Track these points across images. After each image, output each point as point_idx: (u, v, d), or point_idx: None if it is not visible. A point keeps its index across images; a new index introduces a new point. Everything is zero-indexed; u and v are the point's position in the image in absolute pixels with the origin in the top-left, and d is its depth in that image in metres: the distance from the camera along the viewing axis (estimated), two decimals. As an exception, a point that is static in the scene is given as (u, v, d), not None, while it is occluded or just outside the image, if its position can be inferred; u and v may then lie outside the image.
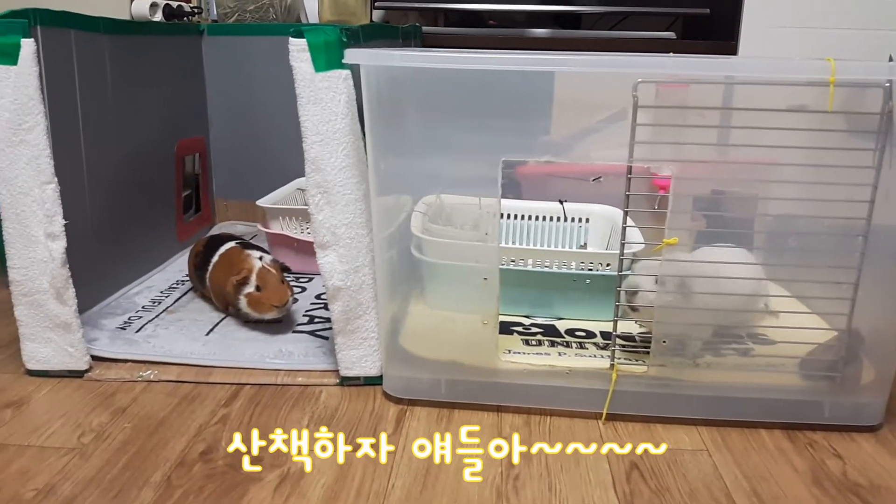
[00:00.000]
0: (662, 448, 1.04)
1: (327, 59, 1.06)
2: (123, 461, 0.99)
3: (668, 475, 0.98)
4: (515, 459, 1.01)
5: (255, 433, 1.06)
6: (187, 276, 1.59)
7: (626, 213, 1.02)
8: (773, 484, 0.96)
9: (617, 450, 1.03)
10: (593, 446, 1.04)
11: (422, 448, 1.03)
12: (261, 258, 1.35)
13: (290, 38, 1.05)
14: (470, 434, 1.07)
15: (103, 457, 1.00)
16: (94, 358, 1.25)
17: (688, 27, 2.20)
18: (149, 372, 1.23)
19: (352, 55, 1.00)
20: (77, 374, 1.22)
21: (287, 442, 1.04)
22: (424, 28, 2.01)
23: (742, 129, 0.99)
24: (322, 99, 1.07)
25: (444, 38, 1.98)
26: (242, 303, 1.32)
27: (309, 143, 1.09)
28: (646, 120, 0.98)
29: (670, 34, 2.00)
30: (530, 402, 1.13)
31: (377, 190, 1.09)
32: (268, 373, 1.23)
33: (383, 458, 1.00)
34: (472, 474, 0.97)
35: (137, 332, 1.35)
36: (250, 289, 1.32)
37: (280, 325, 1.40)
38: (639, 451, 1.03)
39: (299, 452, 1.02)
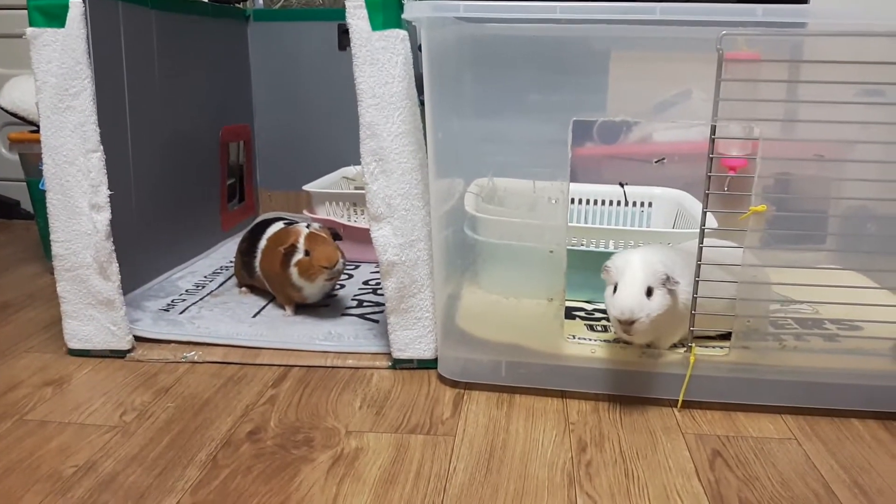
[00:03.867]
0: (746, 436, 0.95)
1: (385, 16, 1.00)
2: (167, 440, 0.94)
3: (756, 464, 0.89)
4: (586, 445, 0.93)
5: (304, 414, 0.99)
6: (232, 262, 1.53)
7: (708, 178, 0.94)
8: (875, 476, 0.87)
9: (697, 437, 0.95)
10: (670, 433, 0.96)
11: (483, 432, 0.96)
12: (308, 226, 1.28)
13: (348, -6, 1.00)
14: (535, 418, 0.99)
15: (146, 435, 0.95)
16: (136, 339, 1.20)
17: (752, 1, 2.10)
18: (193, 353, 1.17)
19: (412, 9, 0.94)
20: (119, 354, 1.17)
21: (339, 423, 0.97)
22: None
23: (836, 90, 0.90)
24: (379, 59, 1.01)
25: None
26: (294, 274, 1.24)
27: (364, 107, 1.03)
28: (727, 87, 0.90)
29: None
30: (599, 388, 1.05)
31: (435, 160, 1.03)
32: (316, 355, 1.17)
33: (442, 441, 0.93)
34: (540, 459, 0.89)
35: (181, 313, 1.30)
36: (300, 255, 1.24)
37: (328, 308, 1.34)
38: (721, 437, 0.94)
39: (352, 434, 0.95)
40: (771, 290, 1.07)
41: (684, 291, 1.00)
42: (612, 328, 1.06)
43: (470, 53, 0.98)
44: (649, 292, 0.96)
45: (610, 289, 0.99)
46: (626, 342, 1.09)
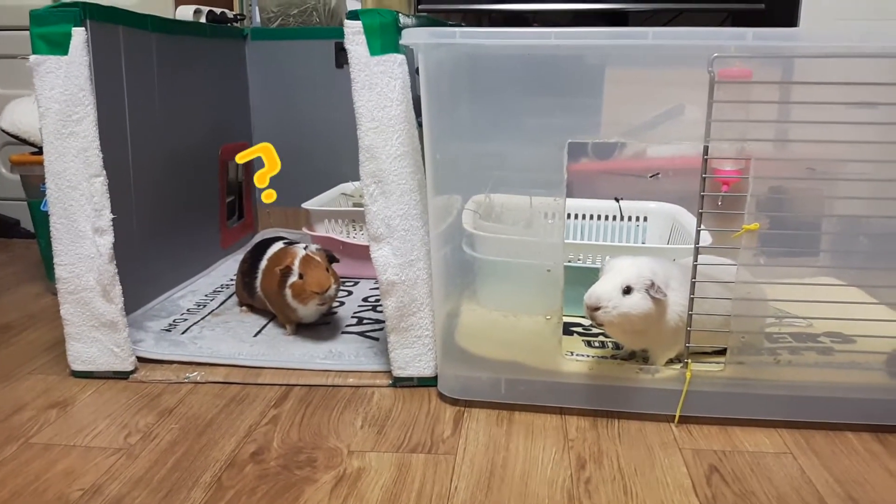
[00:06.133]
0: (743, 450, 0.96)
1: (383, 42, 1.02)
2: (172, 461, 0.95)
3: (752, 478, 0.90)
4: (585, 462, 0.94)
5: (307, 434, 1.01)
6: (232, 280, 1.55)
7: (701, 198, 0.96)
8: (869, 489, 0.88)
9: (694, 452, 0.96)
10: (668, 449, 0.97)
11: (483, 450, 0.97)
12: (305, 248, 1.29)
13: (346, 21, 1.02)
14: (534, 436, 1.01)
15: (151, 457, 0.96)
16: (139, 359, 1.21)
17: (741, 24, 2.13)
18: (195, 373, 1.19)
19: (410, 35, 0.96)
20: (122, 376, 1.19)
21: (341, 442, 0.99)
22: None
23: (828, 110, 0.92)
24: (377, 84, 1.03)
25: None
26: (288, 296, 1.25)
27: (363, 130, 1.04)
28: (719, 107, 0.92)
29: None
30: (597, 404, 1.06)
31: (434, 180, 1.04)
32: (318, 374, 1.18)
33: (443, 460, 0.95)
34: (540, 477, 0.91)
35: (183, 333, 1.31)
36: (294, 277, 1.25)
37: (328, 326, 1.36)
38: (717, 452, 0.96)
39: (354, 453, 0.96)
40: (765, 306, 1.09)
41: (678, 305, 1.02)
42: (600, 332, 1.08)
43: (466, 77, 0.99)
44: (628, 290, 0.98)
45: None
46: (624, 358, 1.11)
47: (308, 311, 1.28)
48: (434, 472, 0.92)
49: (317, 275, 1.24)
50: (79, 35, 1.07)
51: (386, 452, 0.97)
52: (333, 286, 1.24)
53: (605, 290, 0.99)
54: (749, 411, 1.03)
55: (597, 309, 0.99)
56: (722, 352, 1.05)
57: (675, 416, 1.03)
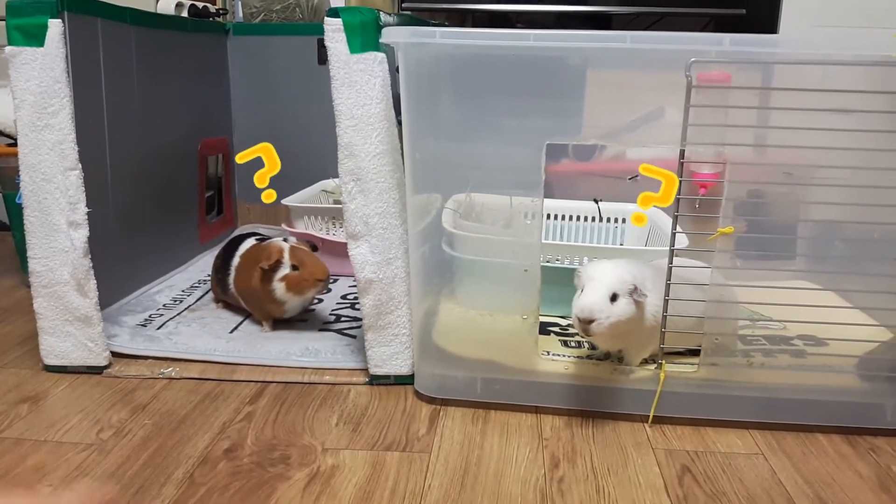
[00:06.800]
0: (715, 451, 0.97)
1: (363, 40, 1.02)
2: (144, 458, 0.94)
3: (723, 479, 0.91)
4: (559, 461, 0.95)
5: (281, 431, 1.00)
6: (209, 276, 1.54)
7: (678, 201, 0.97)
8: (837, 490, 0.90)
9: (666, 452, 0.97)
10: (641, 449, 0.98)
11: (458, 448, 0.97)
12: (285, 240, 1.29)
13: (326, 18, 1.01)
14: (509, 434, 1.01)
15: (123, 453, 0.95)
16: (113, 354, 1.20)
17: (722, 29, 2.15)
18: (170, 369, 1.18)
19: (390, 34, 0.96)
20: (96, 371, 1.18)
21: (315, 440, 0.99)
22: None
23: (805, 114, 0.93)
24: (357, 82, 1.03)
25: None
26: (279, 289, 1.25)
27: (342, 128, 1.04)
28: (697, 111, 0.92)
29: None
30: (572, 404, 1.07)
31: (413, 179, 1.04)
32: (294, 371, 1.18)
33: (417, 458, 0.95)
34: (514, 476, 0.91)
35: (159, 328, 1.30)
36: (286, 270, 1.25)
37: (306, 323, 1.35)
38: (690, 452, 0.97)
39: (328, 451, 0.96)
40: (739, 308, 1.10)
41: (653, 306, 1.03)
42: (576, 332, 1.07)
43: (447, 76, 0.99)
44: (614, 298, 0.98)
45: (578, 293, 1.01)
46: (599, 358, 1.11)
47: (299, 301, 1.29)
48: (408, 469, 0.92)
49: (315, 263, 1.25)
50: (55, 27, 1.06)
51: (360, 450, 0.97)
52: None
53: (596, 302, 0.97)
54: (722, 412, 1.04)
55: (591, 322, 0.96)
56: (694, 352, 1.06)
57: (648, 416, 1.04)
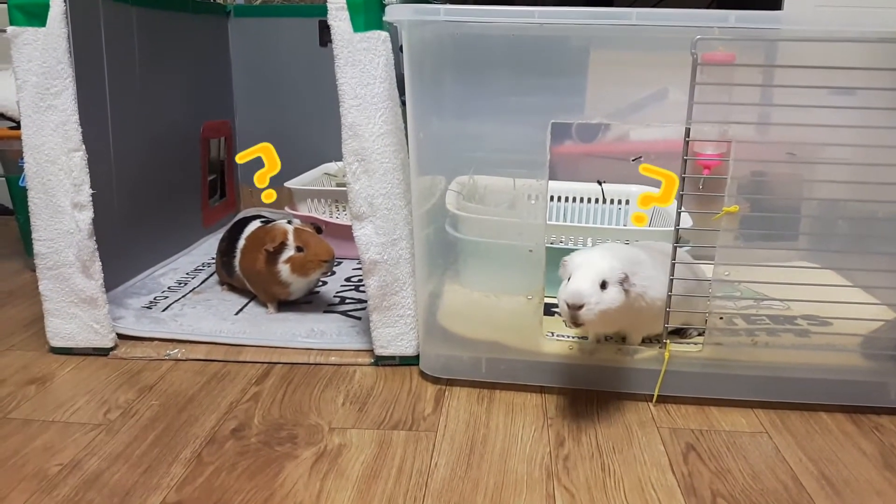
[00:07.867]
0: (719, 430, 0.98)
1: (366, 18, 1.01)
2: (152, 437, 0.95)
3: (728, 457, 0.92)
4: (564, 439, 0.95)
5: (288, 411, 1.01)
6: (214, 259, 1.54)
7: (683, 179, 0.97)
8: (841, 467, 0.90)
9: (671, 431, 0.97)
10: (645, 427, 0.98)
11: (464, 427, 0.98)
12: (289, 222, 1.29)
13: (330, -5, 1.01)
14: (514, 414, 1.01)
15: (131, 433, 0.96)
16: (119, 336, 1.20)
17: (726, 6, 2.13)
18: (176, 350, 1.18)
19: (393, 12, 0.95)
20: (102, 352, 1.18)
21: (322, 419, 0.99)
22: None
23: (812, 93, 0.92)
24: (360, 61, 1.02)
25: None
26: (284, 271, 1.25)
27: (346, 108, 1.04)
28: (702, 90, 0.92)
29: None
30: (576, 384, 1.07)
31: (417, 160, 1.04)
32: (300, 352, 1.18)
33: (423, 437, 0.95)
34: (519, 454, 0.92)
35: (164, 310, 1.31)
36: (290, 252, 1.25)
37: (311, 305, 1.36)
38: (694, 431, 0.97)
39: (335, 430, 0.97)
40: (742, 288, 1.10)
41: (652, 287, 1.02)
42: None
43: (451, 55, 0.99)
44: (603, 285, 0.95)
45: (564, 282, 0.99)
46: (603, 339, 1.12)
47: (304, 283, 1.29)
48: (415, 448, 0.93)
49: (320, 244, 1.26)
50: (57, 6, 1.05)
51: (367, 429, 0.97)
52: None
53: (585, 288, 0.94)
54: (726, 391, 1.04)
55: (579, 307, 0.94)
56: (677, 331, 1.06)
57: (653, 395, 1.05)
